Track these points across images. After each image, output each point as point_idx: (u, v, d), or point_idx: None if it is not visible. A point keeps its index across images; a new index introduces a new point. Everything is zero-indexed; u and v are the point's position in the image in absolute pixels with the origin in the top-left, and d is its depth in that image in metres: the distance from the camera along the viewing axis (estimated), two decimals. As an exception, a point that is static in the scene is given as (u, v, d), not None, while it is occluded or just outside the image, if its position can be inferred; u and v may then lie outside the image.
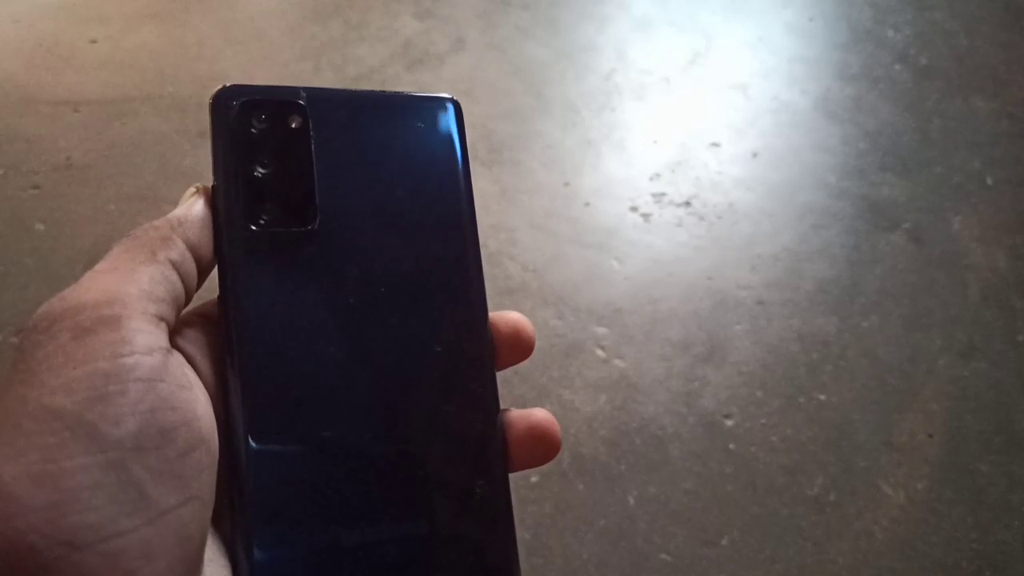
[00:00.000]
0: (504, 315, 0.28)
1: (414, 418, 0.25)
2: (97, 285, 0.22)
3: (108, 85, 1.21)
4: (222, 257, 0.25)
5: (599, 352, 0.97)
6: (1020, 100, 1.31)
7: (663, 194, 1.15)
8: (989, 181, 1.20)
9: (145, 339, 0.22)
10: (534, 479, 0.86)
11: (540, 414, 0.27)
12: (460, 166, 0.27)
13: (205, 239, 0.25)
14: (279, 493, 0.23)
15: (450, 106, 0.28)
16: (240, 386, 0.24)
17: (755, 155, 1.20)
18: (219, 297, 0.25)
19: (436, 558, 0.24)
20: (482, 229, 1.06)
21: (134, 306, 0.22)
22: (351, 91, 0.27)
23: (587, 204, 1.12)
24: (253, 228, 0.24)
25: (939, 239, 1.12)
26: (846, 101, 1.29)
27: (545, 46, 1.33)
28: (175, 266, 0.24)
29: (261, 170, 0.25)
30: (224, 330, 0.24)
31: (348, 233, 0.25)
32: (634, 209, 1.12)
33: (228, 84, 0.25)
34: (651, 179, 1.16)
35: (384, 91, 0.27)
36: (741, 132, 1.23)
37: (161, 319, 0.23)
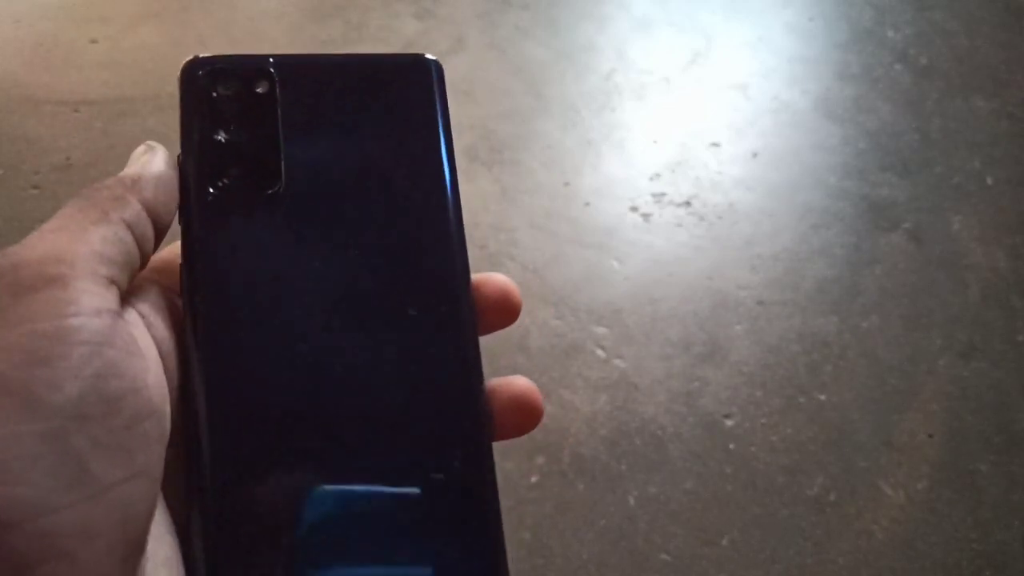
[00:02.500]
0: (490, 277, 0.26)
1: (388, 383, 0.23)
2: (43, 243, 0.21)
3: (108, 85, 1.21)
4: (186, 222, 0.24)
5: (599, 352, 0.97)
6: (1020, 100, 1.31)
7: (663, 194, 1.15)
8: (989, 181, 1.20)
9: (92, 300, 0.20)
10: (534, 479, 0.86)
11: (522, 382, 0.25)
12: (439, 126, 0.26)
13: (162, 198, 0.24)
14: (240, 464, 0.22)
15: (429, 65, 0.26)
16: (200, 351, 0.23)
17: (755, 155, 1.20)
18: (181, 264, 0.24)
19: (415, 532, 0.22)
20: (482, 229, 1.06)
21: (82, 266, 0.21)
22: (324, 55, 0.26)
23: (587, 204, 1.12)
24: (214, 191, 0.24)
25: (939, 239, 1.12)
26: (846, 101, 1.29)
27: (545, 46, 1.33)
28: (129, 227, 0.23)
29: (225, 135, 0.24)
30: (186, 294, 0.23)
31: (315, 196, 0.24)
32: (634, 209, 1.12)
33: (198, 55, 0.25)
34: (651, 179, 1.16)
35: (359, 53, 0.27)
36: (741, 132, 1.23)
37: (112, 281, 0.22)
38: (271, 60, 0.25)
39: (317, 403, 0.23)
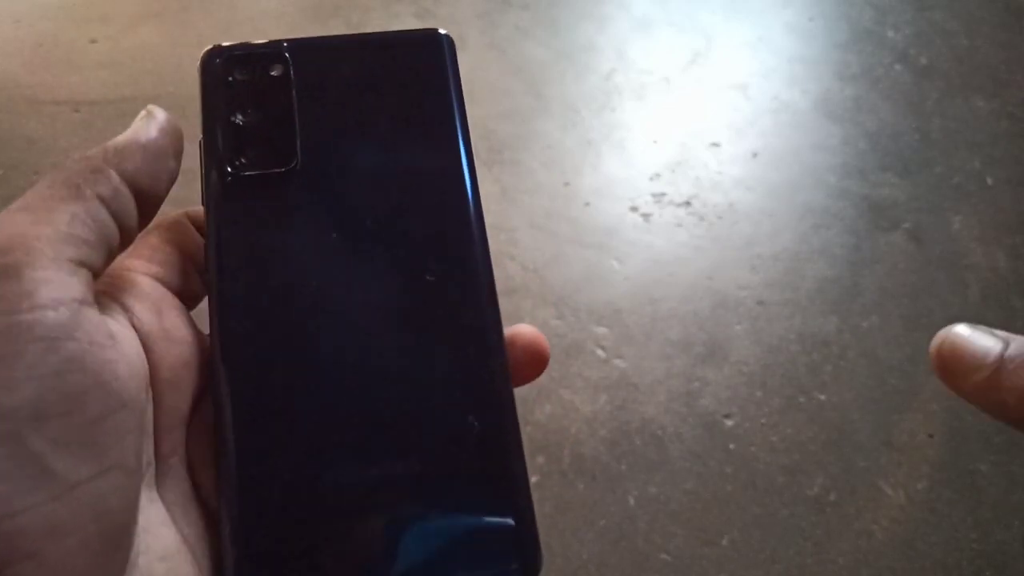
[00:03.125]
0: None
1: (411, 352, 0.24)
2: (2, 228, 0.20)
3: (108, 85, 1.21)
4: (207, 202, 0.24)
5: (599, 352, 0.97)
6: (1020, 100, 1.31)
7: (663, 194, 1.15)
8: (989, 181, 1.20)
9: (51, 291, 0.19)
10: (534, 479, 0.86)
11: (527, 331, 0.25)
12: (452, 98, 0.26)
13: (147, 169, 0.22)
14: (269, 439, 0.22)
15: (440, 39, 0.27)
16: (222, 330, 0.23)
17: (755, 155, 1.20)
18: (204, 242, 0.24)
19: (443, 494, 0.22)
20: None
21: (43, 251, 0.19)
22: (337, 36, 0.27)
23: (587, 204, 1.12)
24: (233, 171, 0.24)
25: (939, 239, 1.12)
26: (846, 101, 1.28)
27: (545, 46, 1.33)
28: (105, 202, 0.21)
29: (242, 117, 0.25)
30: (209, 272, 0.24)
31: (331, 173, 0.25)
32: (634, 209, 1.12)
33: (217, 44, 0.26)
34: (651, 179, 1.16)
35: (372, 32, 0.27)
36: (741, 132, 1.23)
37: (81, 264, 0.20)
38: (285, 44, 0.26)
39: (343, 381, 0.23)
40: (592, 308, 1.01)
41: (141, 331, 0.22)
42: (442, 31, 0.27)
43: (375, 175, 0.25)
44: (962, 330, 0.22)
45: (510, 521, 0.23)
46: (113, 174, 0.22)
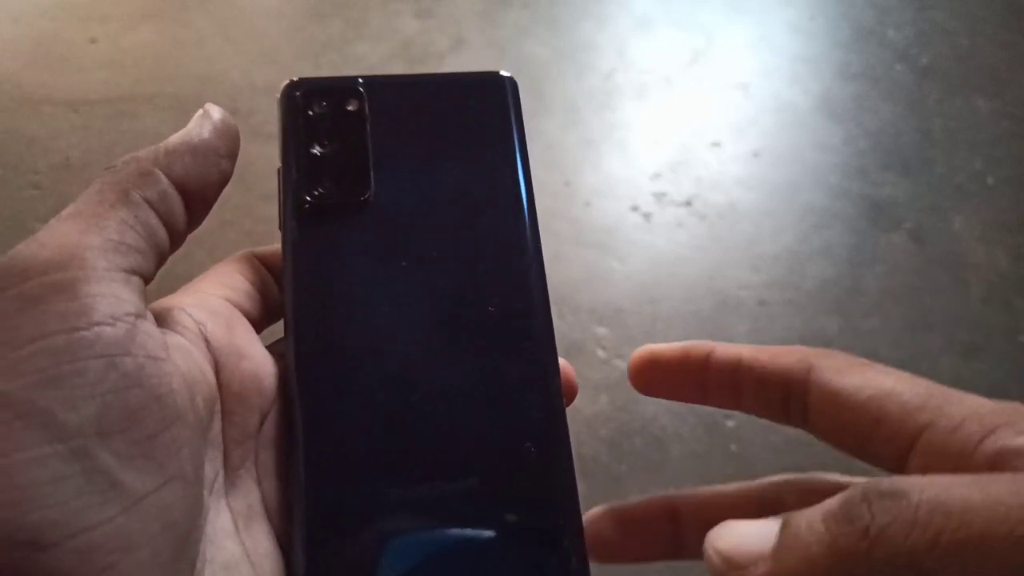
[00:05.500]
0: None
1: (474, 379, 0.25)
2: (54, 239, 0.20)
3: (108, 85, 1.21)
4: (285, 229, 0.25)
5: (600, 352, 0.97)
6: (1021, 100, 1.30)
7: (664, 194, 1.14)
8: (990, 181, 1.19)
9: (107, 305, 0.19)
10: (535, 479, 0.86)
11: (562, 364, 0.26)
12: (514, 142, 0.28)
13: (197, 171, 0.22)
14: (340, 458, 0.23)
15: (503, 81, 0.28)
16: (299, 357, 0.24)
17: (756, 155, 1.20)
18: (281, 268, 0.25)
19: (502, 520, 0.24)
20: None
21: (95, 263, 0.19)
22: (408, 75, 0.29)
23: (587, 204, 1.12)
24: (310, 200, 0.25)
25: (940, 239, 1.12)
26: (847, 101, 1.28)
27: (545, 45, 1.33)
28: (153, 206, 0.21)
29: (320, 149, 0.26)
30: (285, 296, 0.25)
31: (401, 204, 0.26)
32: (635, 209, 1.12)
33: (295, 78, 0.27)
34: (652, 179, 1.16)
35: (440, 73, 0.29)
36: (742, 131, 1.23)
37: (133, 272, 0.20)
38: (360, 80, 0.27)
39: (414, 406, 0.24)
40: (593, 308, 1.01)
41: (212, 346, 0.22)
42: (505, 73, 0.29)
43: (443, 206, 0.27)
44: (726, 533, 0.21)
45: (559, 548, 0.24)
46: (162, 177, 0.22)
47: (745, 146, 1.21)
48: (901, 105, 1.28)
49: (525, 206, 0.28)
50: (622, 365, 0.96)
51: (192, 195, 0.22)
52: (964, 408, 0.22)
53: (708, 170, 1.18)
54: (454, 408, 0.24)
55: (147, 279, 0.21)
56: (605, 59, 1.32)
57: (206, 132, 0.23)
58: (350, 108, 0.27)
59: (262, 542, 0.22)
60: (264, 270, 0.26)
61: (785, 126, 1.24)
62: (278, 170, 0.26)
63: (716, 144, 1.21)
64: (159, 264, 0.22)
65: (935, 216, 1.15)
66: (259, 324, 0.25)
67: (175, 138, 0.23)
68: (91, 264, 0.19)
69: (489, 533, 0.23)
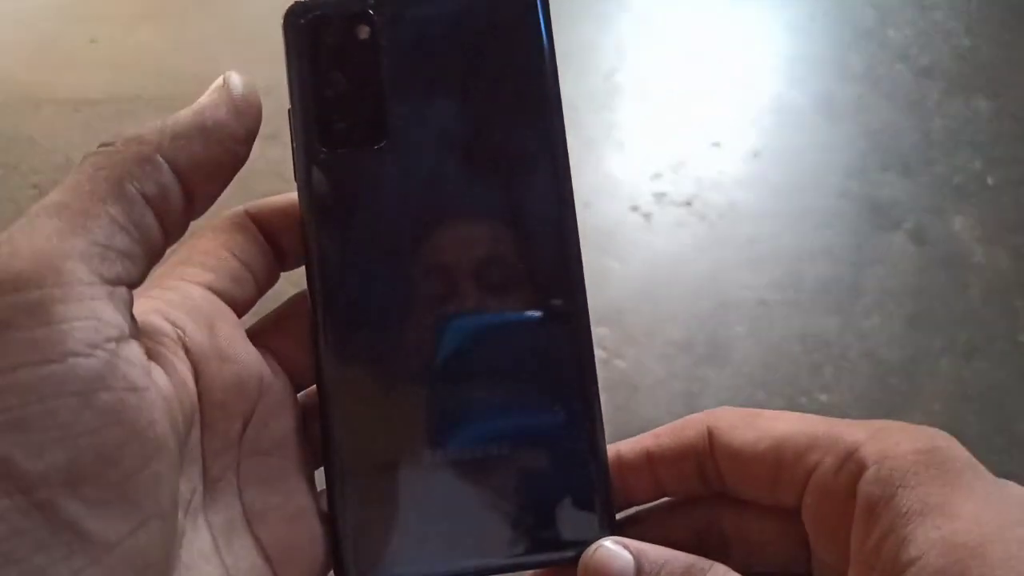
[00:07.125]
0: None
1: (504, 337, 0.24)
2: (31, 244, 0.17)
3: (108, 85, 1.21)
4: (298, 173, 0.23)
5: (600, 352, 0.97)
6: (1021, 100, 1.30)
7: (664, 194, 1.14)
8: (991, 181, 1.19)
9: (84, 332, 0.17)
10: (535, 480, 0.86)
11: None
12: (546, 61, 0.25)
13: (207, 160, 0.20)
14: (370, 429, 0.23)
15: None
16: (326, 314, 0.23)
17: (756, 155, 1.20)
18: (300, 213, 0.23)
19: (530, 491, 0.24)
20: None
21: (75, 275, 0.17)
22: None
23: (587, 204, 1.12)
24: (323, 139, 0.23)
25: (941, 239, 1.12)
26: (847, 101, 1.28)
27: (546, 46, 1.33)
28: (150, 201, 0.19)
29: (332, 88, 0.24)
30: (306, 248, 0.23)
31: (422, 144, 0.24)
32: (635, 209, 1.12)
33: (296, 2, 0.25)
34: (652, 179, 1.16)
35: None
36: (742, 132, 1.23)
37: (118, 283, 0.18)
38: (371, 1, 0.24)
39: (442, 365, 0.24)
40: (593, 308, 1.00)
41: (192, 353, 0.21)
42: None
43: (465, 144, 0.24)
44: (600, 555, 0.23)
45: (590, 493, 0.24)
46: (164, 167, 0.19)
47: (745, 146, 1.21)
48: (901, 105, 1.28)
49: (558, 144, 0.25)
50: (622, 365, 0.96)
51: (197, 186, 0.20)
52: (847, 445, 0.22)
53: (708, 170, 1.18)
54: (493, 367, 0.24)
55: (135, 285, 0.19)
56: (605, 59, 1.32)
57: (222, 112, 0.20)
58: (361, 36, 0.24)
59: (245, 557, 0.21)
60: (259, 235, 0.23)
61: (785, 126, 1.24)
62: (288, 111, 0.24)
63: (716, 144, 1.21)
64: (150, 267, 0.20)
65: (935, 216, 1.15)
66: (249, 303, 0.23)
67: (186, 116, 0.20)
68: (70, 278, 0.17)
69: (527, 489, 0.23)
